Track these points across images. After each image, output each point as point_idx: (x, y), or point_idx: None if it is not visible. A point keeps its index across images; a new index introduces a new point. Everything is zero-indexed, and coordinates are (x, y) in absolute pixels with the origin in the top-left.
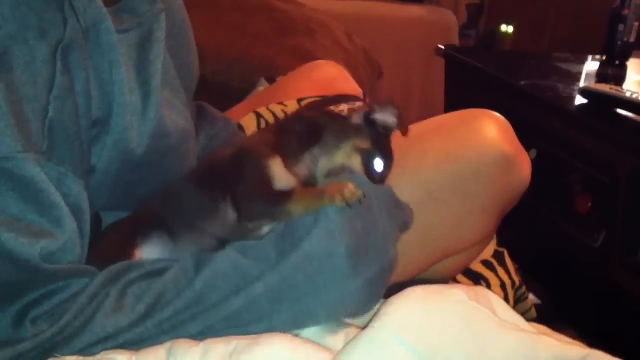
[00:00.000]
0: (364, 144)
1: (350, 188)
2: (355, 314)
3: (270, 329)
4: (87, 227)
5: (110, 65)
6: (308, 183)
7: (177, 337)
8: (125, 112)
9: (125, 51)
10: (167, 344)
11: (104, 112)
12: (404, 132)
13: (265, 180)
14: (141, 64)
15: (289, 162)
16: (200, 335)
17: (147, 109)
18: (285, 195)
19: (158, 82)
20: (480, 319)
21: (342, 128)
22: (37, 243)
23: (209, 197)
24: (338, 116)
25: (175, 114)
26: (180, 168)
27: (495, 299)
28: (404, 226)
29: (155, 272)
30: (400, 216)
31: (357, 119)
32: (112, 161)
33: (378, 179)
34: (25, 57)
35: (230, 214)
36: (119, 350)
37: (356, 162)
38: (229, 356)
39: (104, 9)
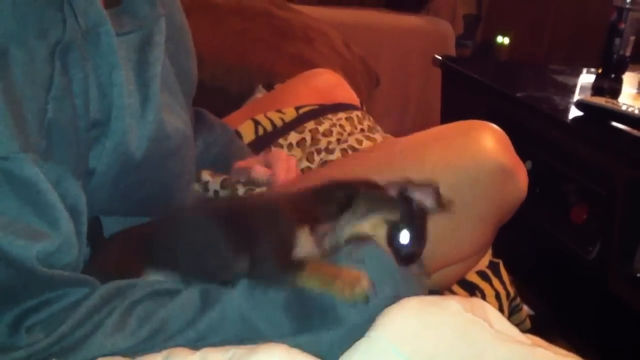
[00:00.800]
0: (393, 216)
1: (362, 285)
2: None
3: None
4: (84, 229)
5: (110, 67)
6: (330, 250)
7: None
8: (124, 115)
9: (125, 54)
10: (165, 353)
11: (103, 115)
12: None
13: (287, 246)
14: (141, 67)
15: (316, 228)
16: None
17: (147, 111)
18: (298, 267)
19: (158, 85)
20: (476, 330)
21: (375, 198)
22: (35, 245)
23: (229, 247)
24: (374, 186)
25: (174, 117)
26: (179, 172)
27: (491, 310)
28: None
29: (162, 292)
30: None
31: (392, 192)
32: (111, 164)
33: (404, 254)
34: (24, 57)
35: (244, 268)
36: (117, 358)
37: (381, 234)
38: None
39: (105, 11)
